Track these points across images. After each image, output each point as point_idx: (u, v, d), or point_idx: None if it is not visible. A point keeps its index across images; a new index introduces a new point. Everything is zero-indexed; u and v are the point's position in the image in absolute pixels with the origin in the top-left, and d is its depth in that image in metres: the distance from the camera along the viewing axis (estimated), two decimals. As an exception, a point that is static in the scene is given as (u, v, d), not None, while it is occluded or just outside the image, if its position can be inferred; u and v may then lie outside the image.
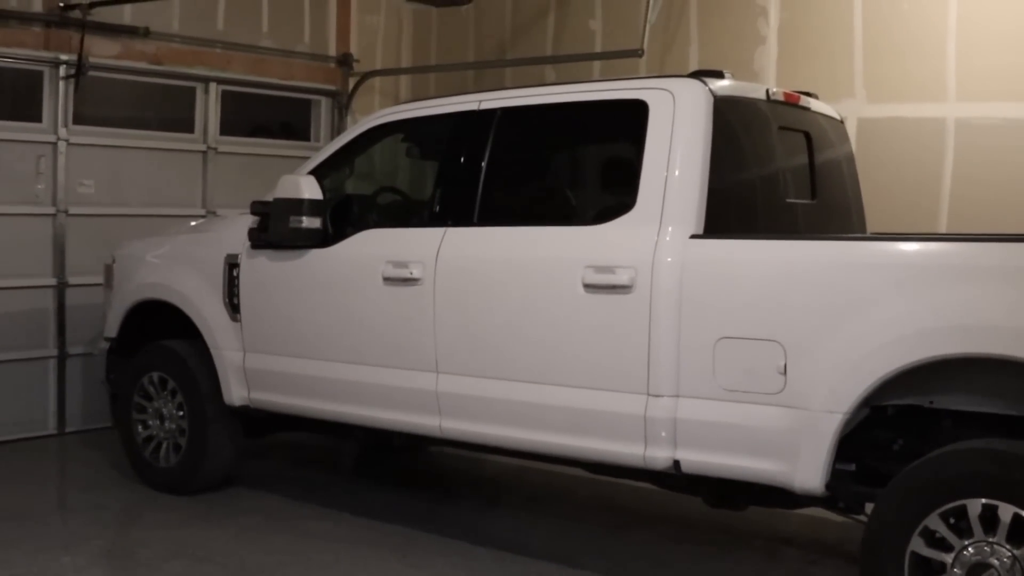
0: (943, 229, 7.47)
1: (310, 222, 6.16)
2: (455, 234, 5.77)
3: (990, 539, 4.20)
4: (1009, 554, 4.16)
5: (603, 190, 6.10)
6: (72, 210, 8.65)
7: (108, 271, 7.57)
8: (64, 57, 8.45)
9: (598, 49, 9.36)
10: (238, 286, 6.62)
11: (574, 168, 6.52)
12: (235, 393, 6.69)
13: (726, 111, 5.27)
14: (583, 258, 5.24)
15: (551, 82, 8.89)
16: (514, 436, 5.53)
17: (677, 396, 4.98)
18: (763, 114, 5.62)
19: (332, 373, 6.20)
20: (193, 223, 7.85)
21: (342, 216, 6.33)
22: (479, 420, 5.64)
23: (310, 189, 6.18)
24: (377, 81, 10.59)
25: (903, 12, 7.78)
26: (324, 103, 10.42)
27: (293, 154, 9.60)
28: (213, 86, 9.45)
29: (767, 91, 5.66)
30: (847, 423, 4.59)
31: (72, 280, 8.69)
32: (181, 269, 7.00)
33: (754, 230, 5.38)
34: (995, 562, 4.18)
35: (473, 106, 5.98)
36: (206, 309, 6.78)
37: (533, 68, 9.64)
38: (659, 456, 5.04)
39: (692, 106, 5.19)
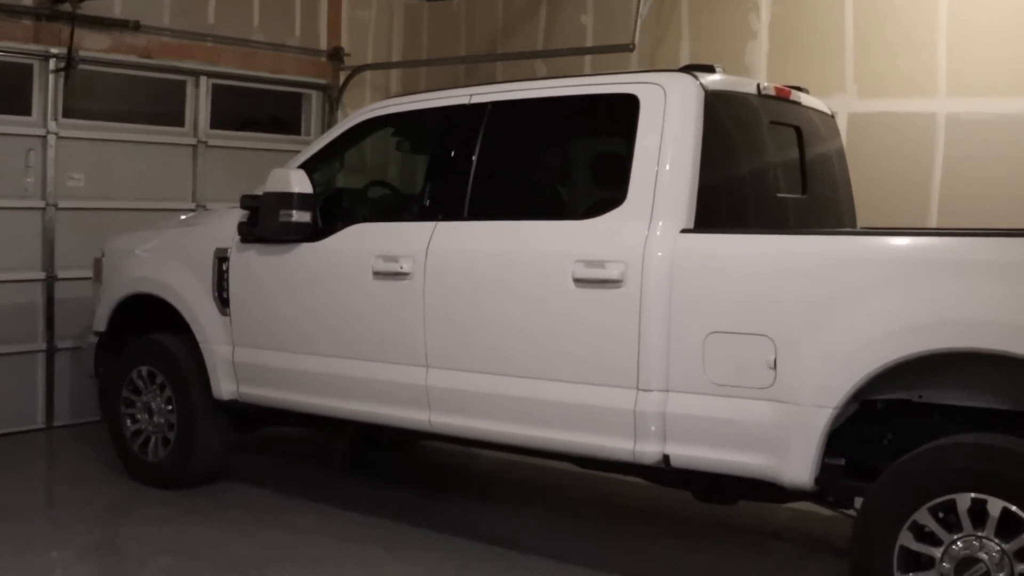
0: (933, 224, 7.48)
1: (300, 216, 6.15)
2: (445, 228, 5.75)
3: (979, 533, 4.21)
4: (998, 548, 4.17)
5: (593, 184, 6.11)
6: (61, 204, 8.63)
7: (97, 265, 7.54)
8: (54, 50, 8.42)
9: (589, 43, 9.35)
10: (227, 280, 6.60)
11: (564, 162, 6.51)
12: (224, 387, 6.67)
13: (717, 105, 5.26)
14: (573, 252, 5.23)
15: (542, 76, 8.89)
16: (504, 431, 5.52)
17: (667, 391, 4.98)
18: (754, 109, 5.62)
19: (321, 367, 6.18)
20: (183, 217, 7.83)
21: (332, 210, 6.32)
22: (469, 415, 5.63)
23: (300, 183, 6.17)
24: (368, 75, 10.57)
25: (894, 7, 7.78)
26: (315, 97, 10.40)
27: (283, 148, 9.59)
28: (203, 80, 9.43)
29: (758, 86, 5.65)
30: (837, 418, 4.59)
31: (61, 274, 8.66)
32: (170, 263, 6.98)
33: (744, 225, 5.36)
34: (984, 556, 4.19)
35: (464, 100, 5.96)
36: (195, 303, 6.77)
37: (524, 63, 9.64)
38: (648, 451, 5.03)
39: (683, 100, 5.18)
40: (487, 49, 10.24)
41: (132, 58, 8.93)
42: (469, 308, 5.59)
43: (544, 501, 7.10)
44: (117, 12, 8.83)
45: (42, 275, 8.61)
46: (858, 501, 4.74)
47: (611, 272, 5.08)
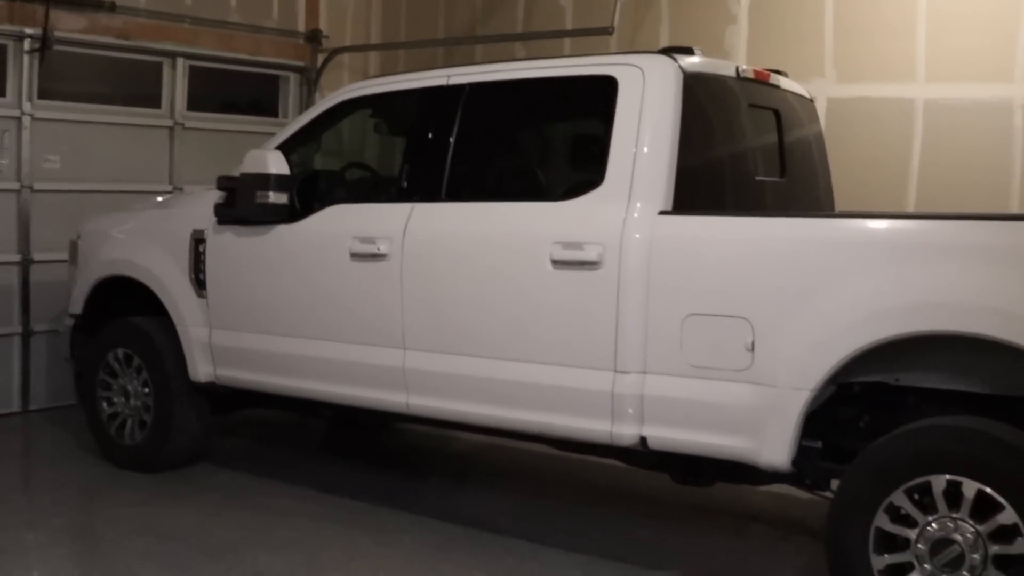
0: (911, 208, 7.50)
1: (277, 197, 6.12)
2: (423, 210, 5.73)
3: (954, 515, 4.23)
4: (972, 530, 4.19)
5: (572, 166, 6.10)
6: (37, 186, 8.55)
7: (73, 247, 7.50)
8: (29, 31, 8.33)
9: (569, 27, 9.34)
10: (204, 262, 6.57)
11: (543, 144, 6.50)
12: (201, 370, 6.65)
13: (696, 88, 5.25)
14: (551, 234, 5.22)
15: (520, 58, 8.87)
16: (481, 413, 5.51)
17: (644, 373, 4.98)
18: (733, 91, 5.62)
19: (298, 349, 6.16)
20: (159, 199, 7.78)
21: (309, 191, 6.29)
22: (446, 396, 5.63)
23: (277, 164, 6.14)
24: (346, 57, 10.52)
25: (873, -7, 7.80)
26: (292, 79, 10.35)
27: (261, 130, 9.54)
28: (180, 61, 9.36)
29: (737, 68, 5.65)
30: (814, 400, 4.60)
31: (37, 256, 8.60)
32: (147, 245, 6.94)
33: (723, 207, 5.37)
34: (958, 537, 4.21)
35: (442, 81, 5.94)
36: (172, 285, 6.73)
37: (503, 45, 9.60)
38: (626, 432, 5.04)
39: (662, 82, 5.17)
40: (466, 32, 10.21)
41: (108, 39, 8.84)
42: (447, 290, 5.58)
43: (522, 483, 7.10)
44: (93, -8, 8.76)
45: (17, 258, 8.55)
46: (834, 483, 4.77)
47: (589, 254, 5.07)
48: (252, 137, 9.09)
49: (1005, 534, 4.14)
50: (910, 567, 4.33)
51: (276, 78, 10.31)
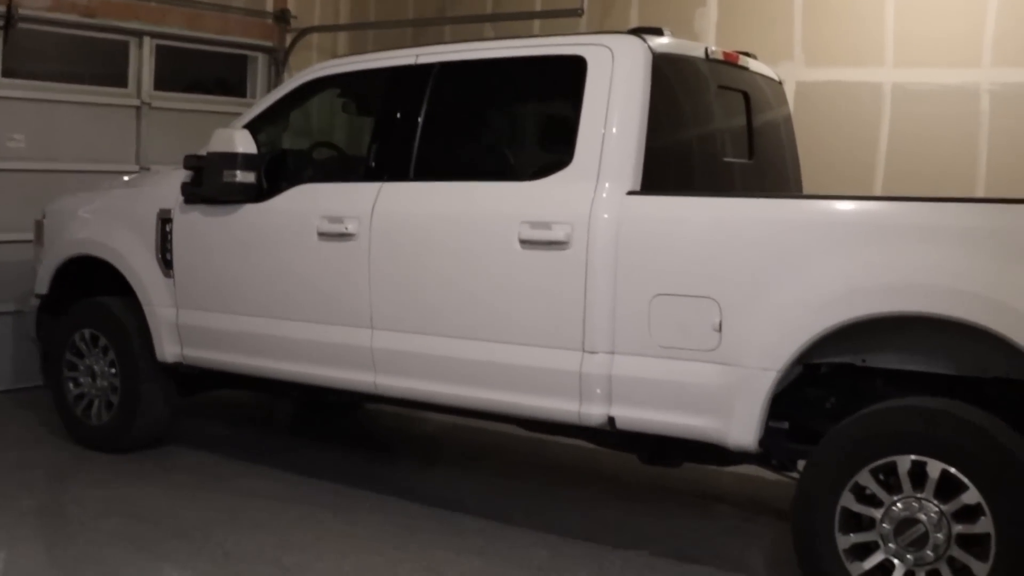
0: (878, 192, 7.53)
1: (244, 176, 6.09)
2: (391, 189, 5.71)
3: (919, 495, 4.27)
4: (936, 509, 4.23)
5: (540, 146, 6.09)
6: (1, 165, 8.47)
7: (38, 227, 7.43)
8: (-8, 8, 8.26)
9: (538, 8, 9.32)
10: (171, 241, 6.53)
11: (512, 123, 6.48)
12: (168, 350, 6.61)
13: (665, 68, 5.25)
14: (519, 214, 5.22)
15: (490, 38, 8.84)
16: (449, 392, 5.51)
17: (612, 352, 4.99)
18: (702, 73, 5.62)
19: (266, 329, 6.14)
20: (126, 178, 7.72)
21: (277, 171, 6.24)
22: (414, 376, 5.62)
23: (244, 143, 6.10)
24: (315, 38, 10.46)
25: (842, -24, 7.81)
26: (260, 59, 10.28)
27: (228, 110, 9.45)
28: (147, 40, 9.27)
29: (706, 49, 5.65)
30: (781, 381, 4.62)
31: (1, 236, 8.51)
32: (113, 224, 6.89)
33: (691, 188, 5.38)
34: (923, 517, 4.25)
35: (410, 60, 5.91)
36: (138, 265, 6.68)
37: (473, 26, 9.58)
38: (594, 412, 5.05)
39: (631, 63, 5.16)
40: (435, 13, 10.17)
41: (74, 17, 8.75)
42: (415, 269, 5.56)
43: (490, 463, 7.11)
44: (59, -30, 8.68)
45: (-18, 238, 8.49)
46: (801, 464, 4.79)
47: (557, 234, 5.07)
48: (220, 117, 8.99)
49: (969, 514, 4.18)
50: (875, 546, 4.37)
51: (244, 58, 10.24)
